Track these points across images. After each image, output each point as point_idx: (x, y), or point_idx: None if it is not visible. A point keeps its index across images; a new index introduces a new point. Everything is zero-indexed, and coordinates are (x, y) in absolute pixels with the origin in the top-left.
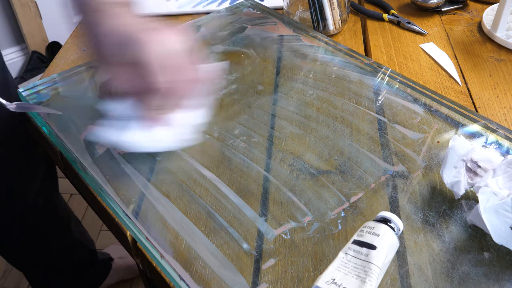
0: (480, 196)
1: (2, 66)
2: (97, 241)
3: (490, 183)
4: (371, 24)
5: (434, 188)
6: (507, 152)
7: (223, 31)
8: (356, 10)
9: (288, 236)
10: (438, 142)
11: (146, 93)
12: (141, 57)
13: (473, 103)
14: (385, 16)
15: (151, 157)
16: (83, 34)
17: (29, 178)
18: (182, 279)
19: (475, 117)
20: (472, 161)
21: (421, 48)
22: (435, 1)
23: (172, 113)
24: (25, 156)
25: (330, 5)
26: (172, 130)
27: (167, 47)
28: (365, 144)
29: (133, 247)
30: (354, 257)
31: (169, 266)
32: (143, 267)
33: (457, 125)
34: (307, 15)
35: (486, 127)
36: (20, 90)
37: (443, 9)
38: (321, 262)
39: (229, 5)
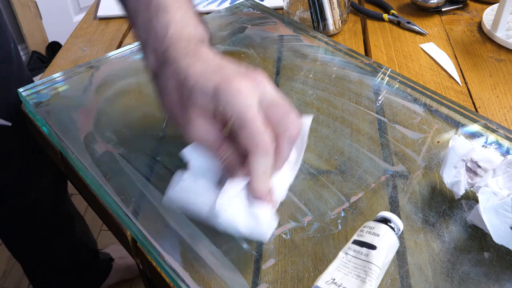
0: (480, 196)
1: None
2: (97, 241)
3: (490, 183)
4: (371, 24)
5: (434, 188)
6: (507, 152)
7: (223, 31)
8: (356, 10)
9: (288, 236)
10: (438, 142)
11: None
12: (240, 112)
13: (473, 103)
14: (385, 16)
15: (151, 157)
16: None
17: (31, 177)
18: (182, 279)
19: (475, 117)
20: (472, 161)
21: (421, 48)
22: (435, 1)
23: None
24: (26, 156)
25: (330, 5)
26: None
27: (266, 96)
28: (365, 144)
29: (133, 247)
30: (354, 257)
31: (169, 266)
32: (143, 267)
33: (457, 125)
34: (307, 15)
35: (486, 127)
36: (20, 90)
37: (443, 9)
38: (321, 262)
39: (229, 5)
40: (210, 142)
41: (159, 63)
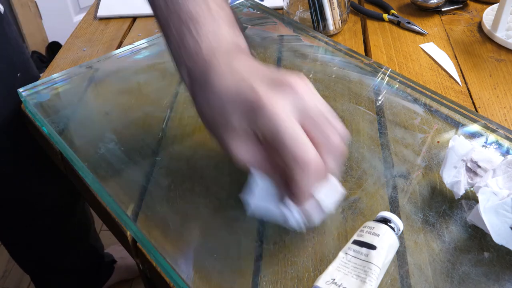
0: (480, 196)
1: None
2: None
3: (490, 183)
4: (371, 24)
5: (434, 188)
6: (507, 152)
7: None
8: (356, 10)
9: (288, 236)
10: (438, 142)
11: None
12: (274, 130)
13: (473, 103)
14: (385, 16)
15: (151, 157)
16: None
17: (44, 182)
18: (182, 279)
19: (475, 117)
20: (472, 161)
21: (421, 48)
22: (435, 1)
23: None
24: (34, 163)
25: (330, 5)
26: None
27: (305, 106)
28: (365, 144)
29: (133, 247)
30: (354, 257)
31: (169, 266)
32: (143, 267)
33: (457, 125)
34: (307, 15)
35: (486, 127)
36: (20, 90)
37: (443, 9)
38: (321, 262)
39: None
40: (255, 164)
41: (193, 81)
